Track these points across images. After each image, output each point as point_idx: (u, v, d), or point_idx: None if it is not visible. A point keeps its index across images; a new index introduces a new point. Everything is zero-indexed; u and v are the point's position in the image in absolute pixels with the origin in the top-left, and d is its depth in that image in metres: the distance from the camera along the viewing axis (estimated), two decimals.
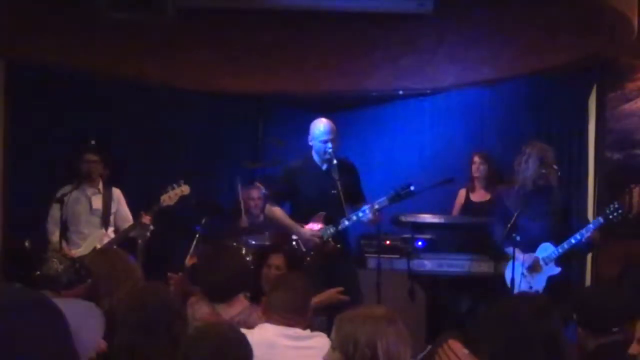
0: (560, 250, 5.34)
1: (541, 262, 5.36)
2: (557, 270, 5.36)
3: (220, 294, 3.64)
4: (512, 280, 5.22)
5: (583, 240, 5.27)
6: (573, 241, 5.29)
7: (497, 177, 6.62)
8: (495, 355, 2.66)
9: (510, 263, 5.36)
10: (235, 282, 3.68)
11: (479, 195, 6.63)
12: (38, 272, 3.66)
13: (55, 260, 3.86)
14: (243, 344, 2.47)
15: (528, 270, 5.37)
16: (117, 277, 3.62)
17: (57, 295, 3.58)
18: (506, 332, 2.65)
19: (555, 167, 5.44)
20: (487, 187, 6.60)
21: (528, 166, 5.43)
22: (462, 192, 6.69)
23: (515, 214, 5.23)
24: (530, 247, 5.41)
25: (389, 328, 2.42)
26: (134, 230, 5.84)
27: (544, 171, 5.39)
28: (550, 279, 5.38)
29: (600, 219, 5.25)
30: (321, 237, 5.37)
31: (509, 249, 5.35)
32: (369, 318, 2.46)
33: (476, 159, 6.62)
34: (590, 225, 5.26)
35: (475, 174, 6.61)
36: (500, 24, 5.56)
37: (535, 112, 7.03)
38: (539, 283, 5.39)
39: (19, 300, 1.25)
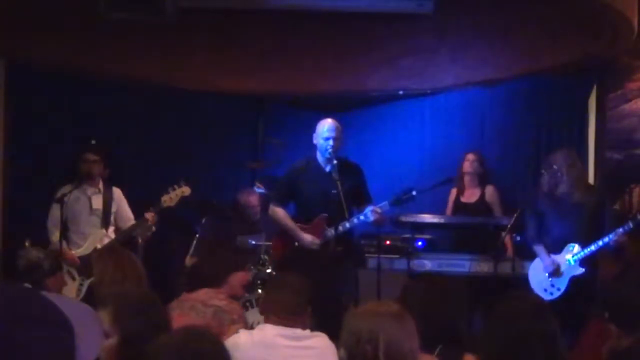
0: (586, 252, 5.37)
1: (564, 265, 5.41)
2: (581, 271, 5.39)
3: None
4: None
5: (611, 243, 5.29)
6: (601, 244, 5.31)
7: (487, 178, 6.61)
8: (494, 355, 2.66)
9: (533, 262, 5.56)
10: None
11: (468, 196, 6.60)
12: (20, 261, 3.67)
13: (33, 250, 3.88)
14: (218, 351, 2.22)
15: (550, 275, 5.45)
16: (124, 275, 3.63)
17: (44, 287, 3.58)
18: (505, 332, 2.65)
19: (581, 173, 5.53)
20: (477, 186, 6.58)
21: (563, 179, 5.45)
22: (453, 192, 6.68)
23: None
24: (556, 247, 5.47)
25: (393, 324, 2.38)
26: (137, 229, 5.83)
27: (573, 178, 5.47)
28: (573, 279, 5.41)
29: (630, 224, 5.25)
30: (321, 240, 5.38)
31: (538, 248, 5.48)
32: (373, 313, 2.43)
33: (469, 156, 6.58)
34: (620, 230, 5.26)
35: (468, 170, 6.57)
36: (500, 24, 5.56)
37: (535, 112, 7.02)
38: (561, 282, 5.45)
39: (29, 308, 1.23)
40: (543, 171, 5.62)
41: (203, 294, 3.65)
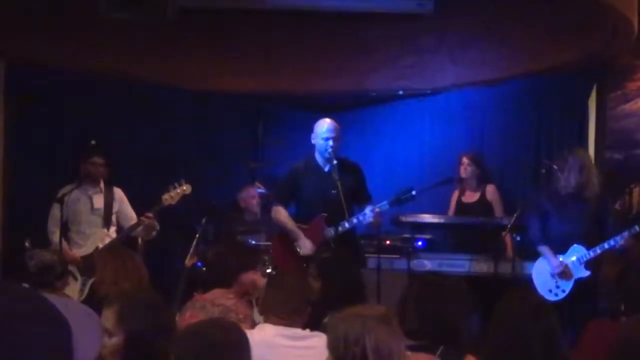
0: (591, 254, 5.35)
1: (571, 267, 5.39)
2: (587, 273, 5.35)
3: None
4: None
5: (617, 246, 5.28)
6: (606, 246, 5.29)
7: (486, 177, 6.61)
8: (495, 354, 2.67)
9: (536, 262, 5.51)
10: None
11: (469, 196, 6.61)
12: (31, 262, 3.68)
13: (44, 252, 3.91)
14: (241, 344, 2.29)
15: (558, 276, 5.41)
16: (125, 274, 3.64)
17: (52, 289, 3.59)
18: (505, 331, 2.65)
19: (595, 176, 5.47)
20: (477, 188, 6.59)
21: (569, 177, 5.42)
22: (456, 193, 6.69)
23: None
24: (561, 248, 5.44)
25: (378, 325, 2.38)
26: (138, 229, 5.81)
27: (583, 180, 5.41)
28: (578, 281, 5.39)
29: (637, 227, 5.24)
30: (322, 241, 5.37)
31: (544, 248, 5.45)
32: (357, 316, 2.43)
33: (464, 160, 6.59)
34: (626, 233, 5.25)
35: (463, 175, 6.58)
36: (500, 24, 5.57)
37: (535, 112, 7.03)
38: (566, 284, 5.42)
39: (27, 307, 1.24)
40: (543, 170, 5.62)
41: (213, 294, 3.68)
